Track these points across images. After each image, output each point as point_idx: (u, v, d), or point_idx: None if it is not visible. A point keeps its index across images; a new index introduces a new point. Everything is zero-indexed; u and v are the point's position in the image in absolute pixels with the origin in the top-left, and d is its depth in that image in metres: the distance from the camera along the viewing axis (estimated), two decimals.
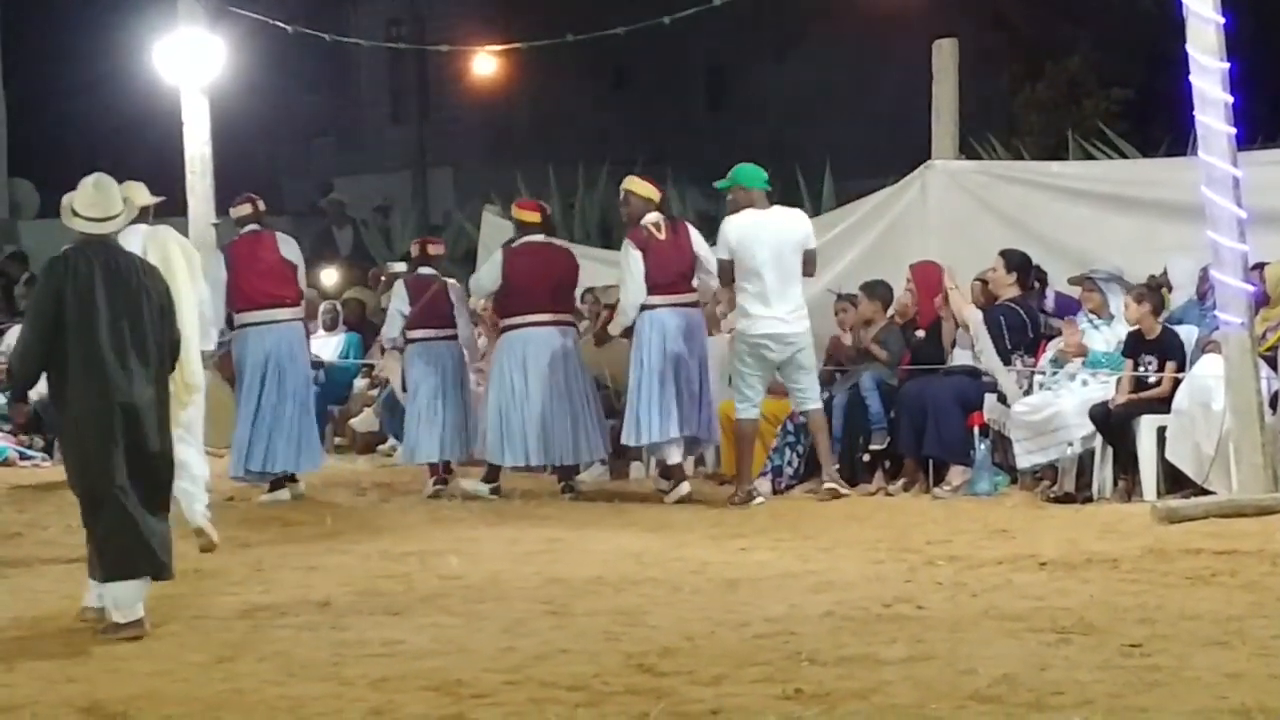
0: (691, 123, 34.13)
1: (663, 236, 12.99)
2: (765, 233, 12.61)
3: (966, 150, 15.84)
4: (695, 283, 13.17)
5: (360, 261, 21.75)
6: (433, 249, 14.45)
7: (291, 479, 13.72)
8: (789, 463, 13.29)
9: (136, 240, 10.03)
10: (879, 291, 13.70)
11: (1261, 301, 11.72)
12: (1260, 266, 11.85)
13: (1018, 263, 13.25)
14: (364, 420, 16.75)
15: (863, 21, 28.36)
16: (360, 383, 17.40)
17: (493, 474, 13.56)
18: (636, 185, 13.23)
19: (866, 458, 13.13)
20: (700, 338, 13.11)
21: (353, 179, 31.19)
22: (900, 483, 12.99)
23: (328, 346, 17.52)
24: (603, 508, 12.67)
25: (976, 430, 12.81)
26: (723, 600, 8.91)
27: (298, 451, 13.57)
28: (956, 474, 12.74)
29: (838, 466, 12.91)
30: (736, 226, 12.64)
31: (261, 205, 14.28)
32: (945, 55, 15.03)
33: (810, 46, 33.61)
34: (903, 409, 12.98)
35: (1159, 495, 11.72)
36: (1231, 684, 6.66)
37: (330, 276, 19.76)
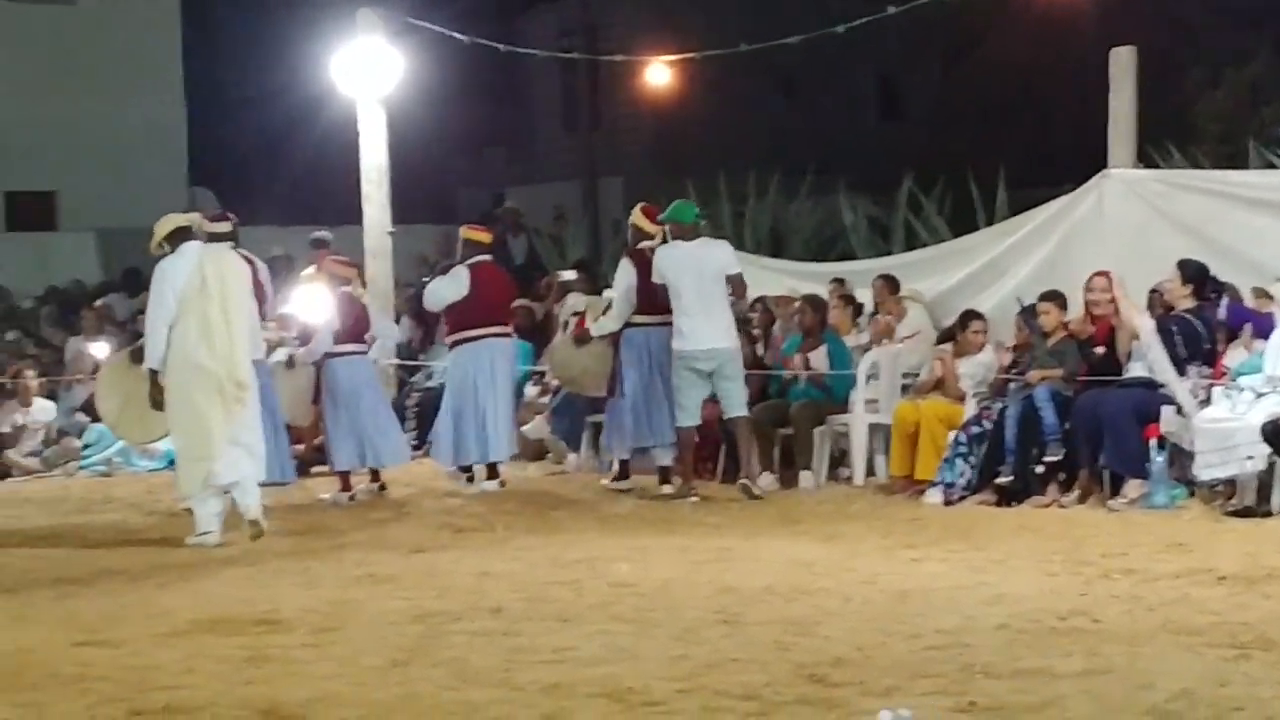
0: (862, 131, 33.96)
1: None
2: (690, 261, 13.71)
3: (1144, 159, 15.61)
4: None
5: (532, 270, 21.85)
6: None
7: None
8: (961, 474, 13.18)
9: (193, 255, 11.81)
10: (1059, 302, 13.54)
11: None
12: None
13: (1194, 273, 13.03)
14: (535, 427, 16.82)
15: (1037, 29, 28.07)
16: (531, 390, 17.48)
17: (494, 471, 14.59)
18: (639, 220, 14.42)
19: (1041, 469, 12.97)
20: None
21: (524, 188, 31.40)
22: (1075, 495, 12.82)
23: None
24: (773, 517, 12.63)
25: (1153, 442, 12.60)
26: (894, 611, 8.85)
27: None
28: (1133, 487, 12.55)
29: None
30: (666, 257, 13.82)
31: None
32: (1123, 63, 14.84)
33: (983, 55, 33.32)
34: (1078, 420, 12.82)
35: None
36: None
37: None
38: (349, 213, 17.96)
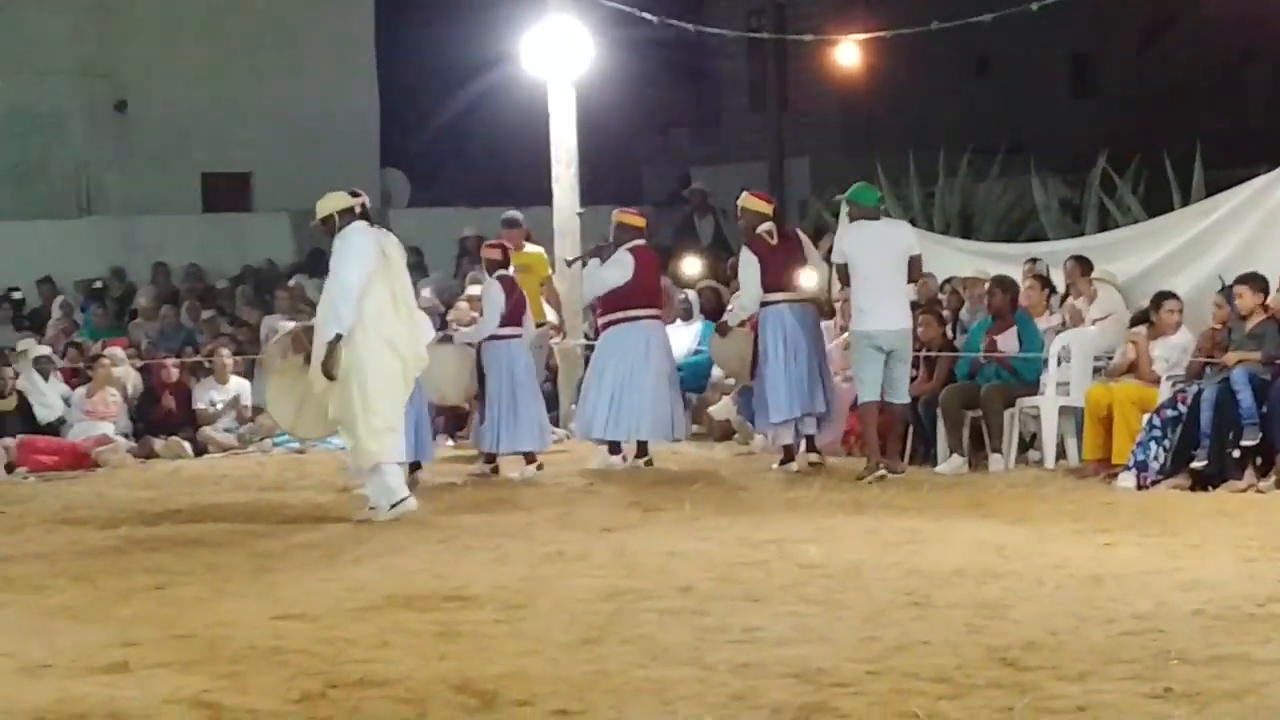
0: (1054, 111, 33.50)
1: (775, 242, 14.41)
2: (877, 241, 13.85)
3: None
4: (805, 281, 14.55)
5: (719, 251, 21.85)
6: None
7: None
8: (1155, 457, 12.98)
9: (370, 232, 12.17)
10: (1256, 284, 13.31)
11: None
12: None
13: None
14: (721, 408, 16.84)
15: (1233, 6, 27.55)
16: (717, 371, 17.48)
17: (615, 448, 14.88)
18: (750, 202, 14.73)
19: (1237, 454, 12.75)
20: (813, 327, 14.58)
21: (710, 169, 31.37)
22: (1272, 479, 12.58)
23: (685, 336, 17.65)
24: (962, 499, 12.54)
25: None
26: (1087, 596, 8.76)
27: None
28: None
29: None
30: (852, 237, 14.06)
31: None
32: None
33: (1178, 32, 32.76)
34: (1276, 404, 12.59)
35: None
36: None
37: (692, 266, 19.89)
38: (537, 193, 18.08)
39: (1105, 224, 18.70)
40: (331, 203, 12.29)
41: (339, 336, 11.87)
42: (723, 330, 15.38)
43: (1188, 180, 18.40)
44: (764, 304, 14.46)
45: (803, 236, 15.10)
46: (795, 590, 9.07)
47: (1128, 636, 7.72)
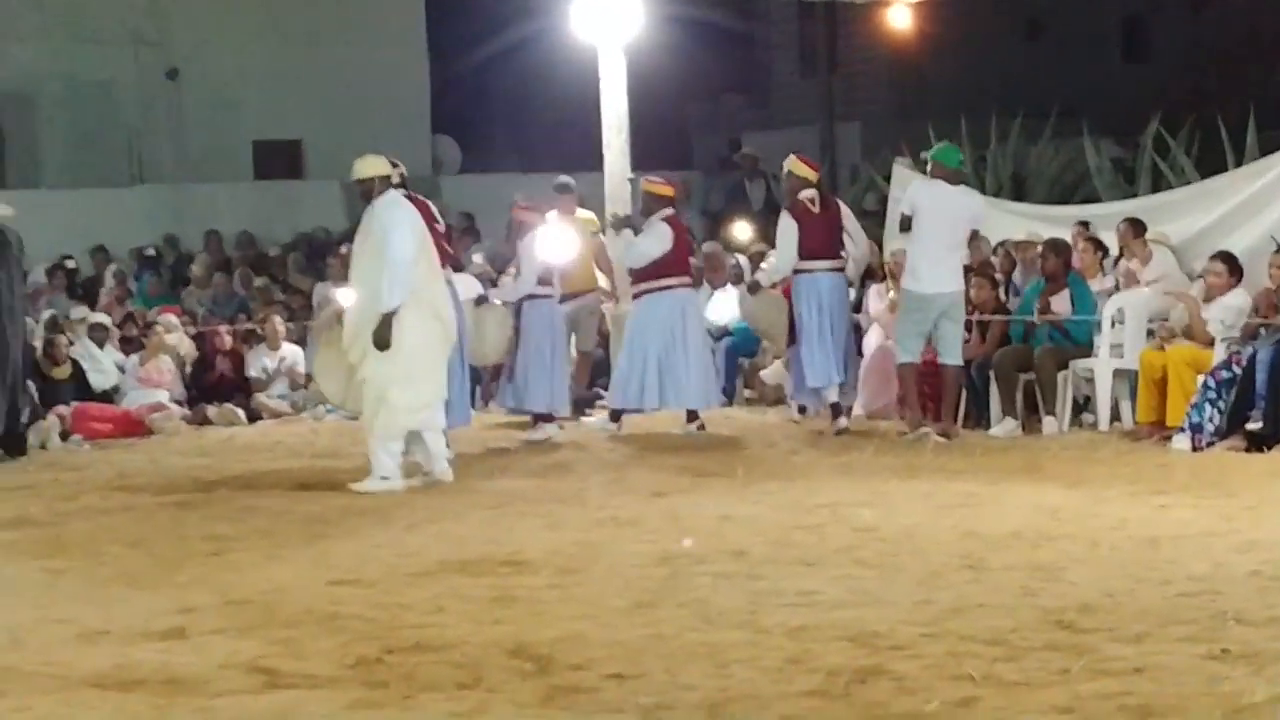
0: (1106, 74, 33.29)
1: (816, 210, 14.56)
2: (948, 204, 13.88)
3: None
4: (844, 252, 14.82)
5: (770, 216, 21.80)
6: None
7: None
8: (1210, 419, 12.90)
9: (406, 201, 12.14)
10: None
11: None
12: None
13: None
14: (773, 373, 16.82)
15: None
16: None
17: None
18: (796, 166, 14.88)
19: None
20: (844, 297, 14.82)
21: (760, 134, 31.28)
22: None
23: (733, 301, 17.61)
24: (1016, 462, 12.49)
25: None
26: (1143, 557, 8.72)
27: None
28: None
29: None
30: (924, 193, 14.03)
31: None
32: None
33: None
34: None
35: None
36: None
37: (743, 231, 19.85)
38: (588, 159, 18.05)
39: (1158, 186, 18.59)
40: (371, 166, 12.26)
41: (392, 312, 11.81)
42: (753, 288, 15.58)
43: (1241, 141, 18.28)
44: (800, 271, 14.56)
45: (844, 207, 15.22)
46: (850, 554, 9.06)
47: (1184, 598, 7.69)
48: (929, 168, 14.24)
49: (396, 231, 11.93)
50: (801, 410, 15.30)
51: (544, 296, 14.57)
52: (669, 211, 14.89)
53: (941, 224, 13.82)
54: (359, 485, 11.93)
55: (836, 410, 14.66)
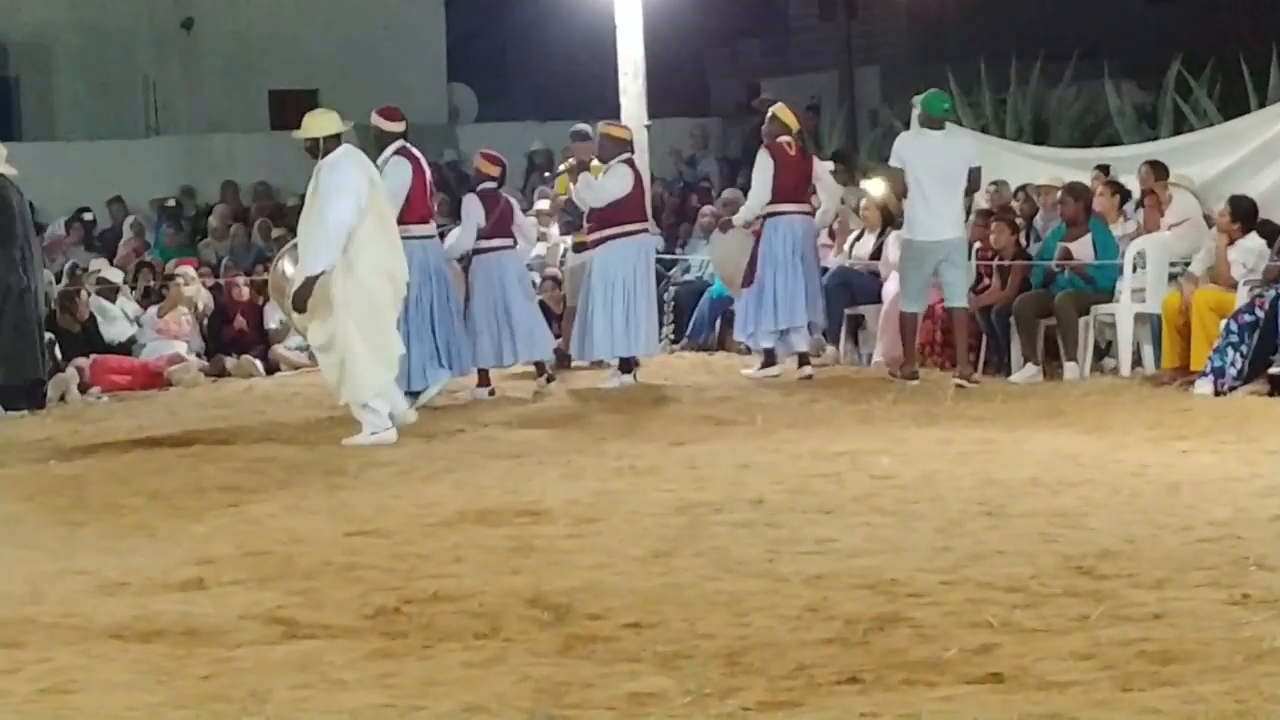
0: (1128, 16, 33.08)
1: (793, 154, 14.84)
2: (936, 151, 14.01)
3: None
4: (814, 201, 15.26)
5: None
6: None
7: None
8: (1232, 363, 12.83)
9: (357, 156, 12.13)
10: None
11: None
12: None
13: None
14: None
15: None
16: None
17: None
18: (782, 112, 15.06)
19: None
20: (814, 242, 15.11)
21: (779, 79, 31.15)
22: None
23: None
24: (1036, 408, 12.44)
25: None
26: (1164, 503, 8.69)
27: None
28: None
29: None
30: (910, 145, 14.19)
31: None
32: None
33: None
34: None
35: None
36: None
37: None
38: (605, 106, 17.97)
39: (1180, 128, 18.48)
40: (320, 123, 12.17)
41: (319, 274, 11.73)
42: (724, 227, 15.68)
43: (1264, 83, 18.16)
44: (773, 214, 14.80)
45: (818, 162, 15.66)
46: (868, 501, 9.03)
47: (1205, 544, 7.66)
48: (916, 114, 14.40)
49: (337, 198, 11.78)
50: (770, 358, 15.02)
51: (496, 249, 14.34)
52: (628, 155, 14.76)
53: (929, 173, 13.94)
54: (350, 440, 11.90)
55: (804, 359, 14.81)
